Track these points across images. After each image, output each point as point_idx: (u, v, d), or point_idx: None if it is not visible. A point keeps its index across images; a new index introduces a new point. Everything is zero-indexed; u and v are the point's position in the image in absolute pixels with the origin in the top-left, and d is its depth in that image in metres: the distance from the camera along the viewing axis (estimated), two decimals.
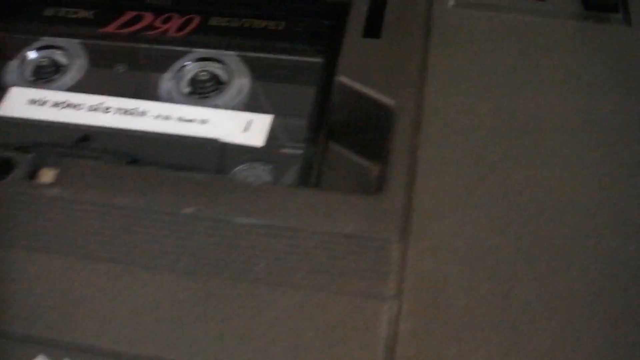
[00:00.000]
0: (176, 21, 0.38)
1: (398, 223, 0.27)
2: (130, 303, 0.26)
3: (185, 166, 0.32)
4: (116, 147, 0.33)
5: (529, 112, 0.30)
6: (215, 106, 0.34)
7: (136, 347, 0.25)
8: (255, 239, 0.27)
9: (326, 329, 0.24)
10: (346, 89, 0.31)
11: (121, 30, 0.38)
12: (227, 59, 0.36)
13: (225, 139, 0.33)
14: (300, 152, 0.32)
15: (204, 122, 0.33)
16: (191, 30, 0.38)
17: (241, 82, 0.35)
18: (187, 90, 0.35)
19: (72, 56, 0.37)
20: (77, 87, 0.36)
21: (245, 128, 0.33)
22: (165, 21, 0.38)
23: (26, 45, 0.38)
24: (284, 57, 0.36)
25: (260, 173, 0.31)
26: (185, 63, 0.36)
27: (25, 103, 0.35)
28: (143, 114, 0.34)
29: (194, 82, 0.35)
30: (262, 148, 0.32)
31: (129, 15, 0.39)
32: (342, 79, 0.31)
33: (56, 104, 0.35)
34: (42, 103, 0.35)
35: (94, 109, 0.34)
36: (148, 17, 0.38)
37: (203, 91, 0.35)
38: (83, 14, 0.39)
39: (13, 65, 0.37)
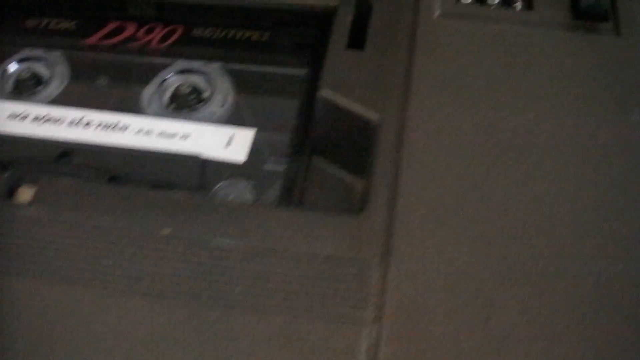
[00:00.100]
0: (159, 32, 0.37)
1: (379, 244, 0.26)
2: (104, 328, 0.25)
3: (167, 183, 0.31)
4: (97, 164, 0.32)
5: (514, 127, 0.29)
6: (198, 119, 0.34)
7: None
8: (233, 261, 0.26)
9: (303, 357, 0.24)
10: (328, 104, 0.31)
11: (104, 42, 0.38)
12: (210, 71, 0.36)
13: (207, 155, 0.32)
14: (283, 168, 0.31)
15: (185, 137, 0.33)
16: (174, 41, 0.37)
17: (224, 95, 0.35)
18: (169, 103, 0.35)
19: (54, 68, 0.37)
20: (59, 100, 0.36)
21: (227, 143, 0.32)
22: (149, 32, 0.38)
23: (7, 57, 0.37)
24: (267, 68, 0.36)
25: (242, 190, 0.31)
26: (168, 76, 0.36)
27: (5, 117, 0.34)
28: (124, 128, 0.33)
29: (176, 95, 0.35)
30: (244, 164, 0.32)
31: (112, 25, 0.38)
32: (325, 93, 0.31)
33: (37, 118, 0.34)
34: (23, 117, 0.34)
35: (75, 123, 0.34)
36: (131, 28, 0.38)
37: (185, 104, 0.34)
38: (65, 24, 0.39)
39: None
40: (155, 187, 0.31)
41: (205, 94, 0.35)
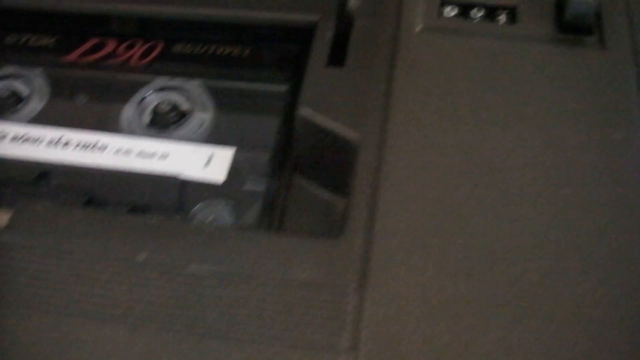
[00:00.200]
0: (139, 48, 0.37)
1: (356, 269, 0.26)
2: (78, 356, 0.25)
3: (145, 205, 0.31)
4: (75, 185, 0.32)
5: (497, 146, 0.29)
6: (178, 138, 0.33)
7: None
8: (209, 288, 0.26)
9: None
10: (307, 122, 0.30)
11: (84, 58, 0.37)
12: (190, 88, 0.35)
13: (186, 175, 0.32)
14: (262, 187, 0.31)
15: (164, 156, 0.32)
16: (155, 57, 0.37)
17: (203, 114, 0.34)
18: (148, 121, 0.34)
19: (34, 86, 0.36)
20: (38, 119, 0.35)
21: (206, 163, 0.32)
22: (129, 48, 0.37)
23: None
24: (248, 85, 0.35)
25: (220, 212, 0.30)
26: (147, 94, 0.35)
27: None
28: (103, 148, 0.33)
29: (155, 113, 0.34)
30: (223, 184, 0.31)
31: (92, 42, 0.37)
32: (303, 112, 0.30)
33: (15, 138, 0.34)
34: (1, 137, 0.34)
35: (53, 143, 0.33)
36: (111, 44, 0.37)
37: (165, 122, 0.34)
38: (45, 40, 0.38)
39: None
40: (133, 209, 0.31)
41: (185, 112, 0.34)
